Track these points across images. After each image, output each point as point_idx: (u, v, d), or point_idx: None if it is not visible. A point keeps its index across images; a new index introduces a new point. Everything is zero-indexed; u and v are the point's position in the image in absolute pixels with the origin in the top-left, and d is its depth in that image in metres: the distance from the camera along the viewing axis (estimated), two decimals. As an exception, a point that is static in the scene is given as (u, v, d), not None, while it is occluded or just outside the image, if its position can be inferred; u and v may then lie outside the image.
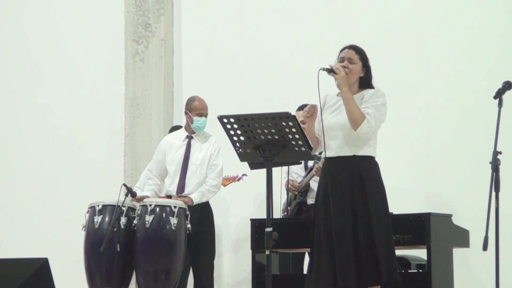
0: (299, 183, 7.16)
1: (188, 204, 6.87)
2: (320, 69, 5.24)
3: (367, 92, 5.40)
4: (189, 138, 7.25)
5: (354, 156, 5.32)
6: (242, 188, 7.73)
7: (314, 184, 7.24)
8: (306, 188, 7.24)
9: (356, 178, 5.30)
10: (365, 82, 5.45)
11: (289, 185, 7.10)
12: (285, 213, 7.13)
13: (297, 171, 7.27)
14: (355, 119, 5.24)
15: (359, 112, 5.26)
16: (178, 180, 7.12)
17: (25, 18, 9.64)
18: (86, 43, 9.25)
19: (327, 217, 5.31)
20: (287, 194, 7.17)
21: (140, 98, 8.87)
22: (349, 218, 5.25)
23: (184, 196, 6.99)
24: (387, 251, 5.26)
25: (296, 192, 7.13)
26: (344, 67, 5.35)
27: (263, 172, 5.28)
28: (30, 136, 9.45)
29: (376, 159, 5.43)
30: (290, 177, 7.14)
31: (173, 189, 7.13)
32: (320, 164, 6.48)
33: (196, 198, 6.99)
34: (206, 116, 7.22)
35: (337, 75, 5.29)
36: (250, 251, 6.51)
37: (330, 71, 5.30)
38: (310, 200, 7.30)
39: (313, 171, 6.96)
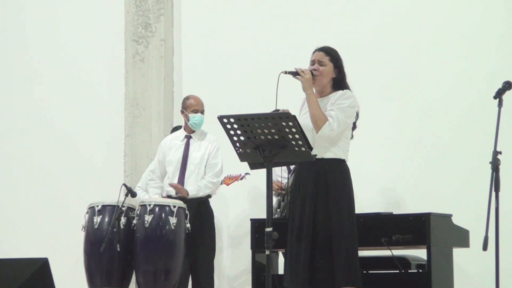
0: (284, 184, 7.16)
1: (183, 195, 6.88)
2: (282, 72, 5.28)
3: (335, 94, 5.42)
4: (188, 137, 7.25)
5: (322, 158, 5.36)
6: (238, 183, 7.73)
7: None
8: (293, 188, 7.22)
9: (321, 180, 5.35)
10: (338, 82, 5.48)
11: (274, 186, 7.10)
12: (276, 215, 7.11)
13: (279, 173, 7.26)
14: (317, 122, 5.30)
15: (321, 115, 5.30)
16: (178, 179, 7.13)
17: (25, 18, 9.64)
18: (86, 43, 9.25)
19: (293, 218, 5.38)
20: (276, 196, 7.17)
21: (140, 98, 8.87)
22: (310, 220, 5.30)
23: (181, 188, 7.00)
24: (347, 255, 5.26)
25: (283, 192, 7.13)
26: (314, 69, 5.39)
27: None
28: (30, 136, 9.45)
29: (349, 161, 5.46)
30: (273, 179, 7.13)
31: (172, 189, 7.13)
32: None
33: (192, 191, 7.01)
34: (202, 112, 7.22)
35: (302, 78, 5.32)
36: (248, 247, 6.51)
37: (295, 74, 5.33)
38: None
39: None
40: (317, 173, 5.36)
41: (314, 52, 5.52)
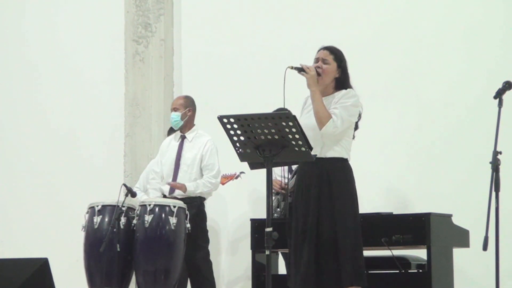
0: (285, 183, 7.15)
1: (181, 190, 6.88)
2: (288, 67, 5.28)
3: (339, 93, 5.43)
4: (182, 138, 7.27)
5: (324, 157, 5.35)
6: (238, 185, 7.74)
7: None
8: (295, 189, 7.21)
9: (324, 179, 5.33)
10: (341, 83, 5.48)
11: (276, 185, 7.08)
12: (276, 215, 7.10)
13: (280, 173, 7.25)
14: (321, 119, 5.28)
15: (325, 112, 5.29)
16: (171, 179, 7.14)
17: (25, 18, 9.65)
18: (86, 43, 9.25)
19: (296, 218, 5.37)
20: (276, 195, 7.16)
21: (140, 98, 8.87)
22: (314, 220, 5.28)
23: (179, 185, 7.00)
24: (353, 255, 5.25)
25: (283, 191, 7.12)
26: (317, 67, 5.39)
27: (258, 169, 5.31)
28: (30, 136, 9.46)
29: (350, 161, 5.44)
30: (273, 178, 7.11)
31: (166, 189, 7.14)
32: None
33: (191, 187, 7.01)
34: (175, 110, 7.25)
35: (307, 74, 5.32)
36: (247, 249, 6.51)
37: (300, 70, 5.34)
38: None
39: None
40: (320, 172, 5.34)
41: (319, 50, 5.52)
